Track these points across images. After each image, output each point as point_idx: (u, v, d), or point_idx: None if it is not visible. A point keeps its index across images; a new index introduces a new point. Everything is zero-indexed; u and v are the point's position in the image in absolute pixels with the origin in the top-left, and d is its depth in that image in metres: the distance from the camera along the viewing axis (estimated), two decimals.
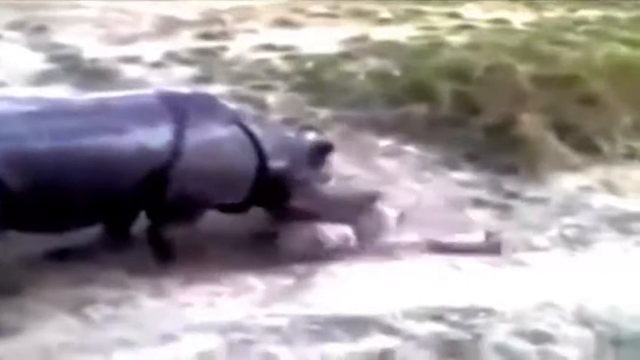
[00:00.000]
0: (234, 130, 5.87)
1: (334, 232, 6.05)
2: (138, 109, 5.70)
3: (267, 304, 5.47)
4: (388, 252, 6.05)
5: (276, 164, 5.98)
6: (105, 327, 5.07)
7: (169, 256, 5.81)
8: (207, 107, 5.95)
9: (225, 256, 5.89)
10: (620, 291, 5.42)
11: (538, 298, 5.30)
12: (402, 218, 6.23)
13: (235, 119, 5.95)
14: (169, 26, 10.44)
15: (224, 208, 6.05)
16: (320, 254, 5.98)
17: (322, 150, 6.31)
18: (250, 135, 5.90)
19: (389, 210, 6.24)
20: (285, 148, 6.09)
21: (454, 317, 5.19)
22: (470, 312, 5.23)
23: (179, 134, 5.61)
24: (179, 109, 5.71)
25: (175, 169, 5.58)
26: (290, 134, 6.48)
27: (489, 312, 5.23)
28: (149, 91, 6.17)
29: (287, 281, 5.74)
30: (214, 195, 5.83)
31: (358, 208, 6.13)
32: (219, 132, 5.82)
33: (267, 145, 5.96)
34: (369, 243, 6.10)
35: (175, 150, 5.58)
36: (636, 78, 8.85)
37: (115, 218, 5.80)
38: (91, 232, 5.78)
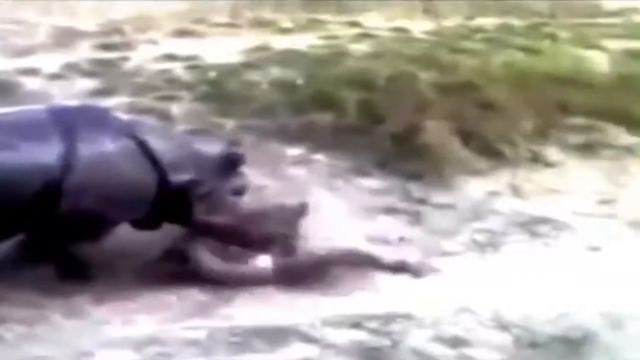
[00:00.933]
0: (127, 143, 5.70)
1: (254, 262, 5.88)
2: (26, 125, 5.58)
3: (184, 318, 5.42)
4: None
5: (179, 177, 5.80)
6: (19, 345, 4.95)
7: (81, 273, 5.69)
8: (98, 120, 5.81)
9: (139, 273, 5.79)
10: (533, 293, 5.54)
11: (454, 303, 5.37)
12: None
13: (129, 132, 5.77)
14: (66, 37, 10.24)
15: (135, 224, 5.94)
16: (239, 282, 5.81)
17: (232, 163, 6.13)
18: (145, 148, 5.72)
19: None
20: (190, 160, 5.90)
21: (373, 324, 5.23)
22: (388, 318, 5.28)
23: (69, 149, 5.48)
24: (68, 124, 5.60)
25: (67, 184, 5.45)
26: (198, 145, 6.20)
27: (406, 318, 5.28)
28: (39, 106, 6.04)
29: (203, 297, 5.68)
30: (110, 210, 5.65)
31: (283, 223, 5.97)
32: (110, 145, 5.64)
33: (168, 158, 5.78)
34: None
35: (66, 165, 5.45)
36: (533, 84, 9.07)
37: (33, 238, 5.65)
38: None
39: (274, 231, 5.94)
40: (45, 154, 5.45)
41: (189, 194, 5.82)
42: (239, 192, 6.08)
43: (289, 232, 5.92)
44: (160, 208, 5.81)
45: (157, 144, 5.79)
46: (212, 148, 6.14)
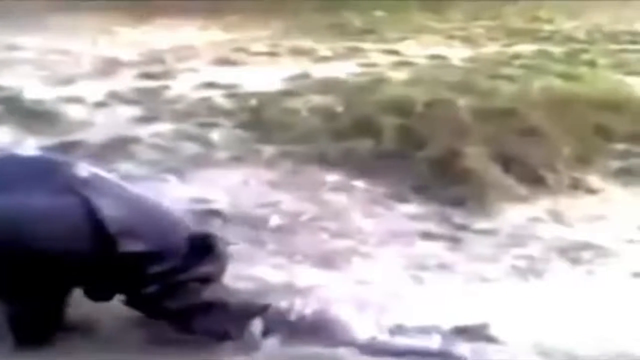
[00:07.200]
0: (70, 201, 4.99)
1: None
2: None
3: None
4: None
5: (128, 246, 5.01)
6: None
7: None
8: (46, 173, 5.12)
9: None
10: (576, 320, 5.49)
11: (494, 330, 5.33)
12: None
13: (78, 190, 5.03)
14: (109, 66, 10.43)
15: (86, 293, 5.24)
16: None
17: (203, 248, 5.20)
18: (90, 208, 5.00)
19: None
20: (148, 231, 5.11)
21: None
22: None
23: None
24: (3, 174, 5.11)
25: None
26: (169, 220, 5.28)
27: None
28: None
29: None
30: (31, 269, 4.92)
31: (239, 318, 5.23)
32: (43, 200, 4.94)
33: (120, 223, 5.00)
34: None
35: None
36: (572, 110, 9.05)
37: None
38: None
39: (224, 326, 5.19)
40: None
41: (137, 267, 5.08)
42: (207, 279, 5.27)
43: (233, 330, 5.22)
44: (104, 277, 5.13)
45: (110, 207, 5.06)
46: (184, 228, 5.29)
